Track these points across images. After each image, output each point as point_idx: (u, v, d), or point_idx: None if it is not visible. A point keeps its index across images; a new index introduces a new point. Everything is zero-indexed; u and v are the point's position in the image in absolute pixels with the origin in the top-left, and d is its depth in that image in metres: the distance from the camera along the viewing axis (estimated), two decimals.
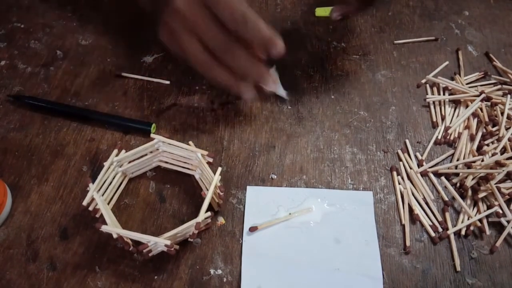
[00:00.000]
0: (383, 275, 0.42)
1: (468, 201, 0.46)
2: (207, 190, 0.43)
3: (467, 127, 0.51)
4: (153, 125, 0.50)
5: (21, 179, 0.47)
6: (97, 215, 0.42)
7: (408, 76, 0.57)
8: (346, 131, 0.51)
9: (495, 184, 0.45)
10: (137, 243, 0.40)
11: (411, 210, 0.46)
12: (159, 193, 0.46)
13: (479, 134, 0.50)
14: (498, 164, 0.46)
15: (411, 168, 0.48)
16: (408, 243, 0.43)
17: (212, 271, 0.42)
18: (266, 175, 0.48)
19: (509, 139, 0.49)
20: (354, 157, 0.49)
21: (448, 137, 0.50)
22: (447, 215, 0.45)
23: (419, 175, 0.48)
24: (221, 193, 0.43)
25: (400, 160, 0.49)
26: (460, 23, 0.62)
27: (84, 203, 0.41)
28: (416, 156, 0.49)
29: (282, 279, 0.41)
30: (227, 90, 0.46)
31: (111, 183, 0.44)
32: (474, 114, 0.52)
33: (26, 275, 0.41)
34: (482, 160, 0.47)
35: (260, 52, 0.43)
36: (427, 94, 0.55)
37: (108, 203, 0.44)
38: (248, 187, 0.47)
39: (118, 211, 0.45)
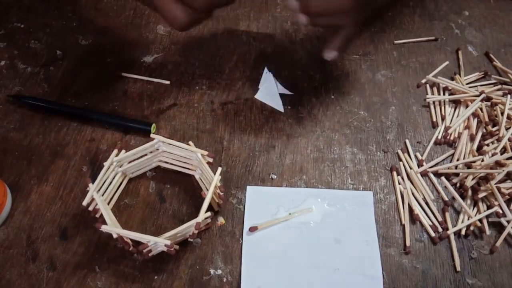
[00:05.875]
0: (383, 275, 0.42)
1: (468, 201, 0.46)
2: (207, 190, 0.43)
3: (467, 127, 0.51)
4: (153, 125, 0.50)
5: (21, 179, 0.47)
6: (97, 215, 0.42)
7: (408, 76, 0.56)
8: (346, 131, 0.51)
9: (495, 184, 0.45)
10: (137, 243, 0.40)
11: (411, 210, 0.46)
12: (159, 193, 0.46)
13: (479, 134, 0.50)
14: (498, 164, 0.46)
15: (411, 168, 0.48)
16: (408, 243, 0.43)
17: (212, 271, 0.42)
18: (266, 175, 0.48)
19: (509, 139, 0.49)
20: (354, 157, 0.49)
21: (448, 137, 0.50)
22: (447, 215, 0.45)
23: (419, 175, 0.48)
24: (221, 193, 0.43)
25: (400, 160, 0.49)
26: (460, 23, 0.62)
27: (84, 203, 0.42)
28: (416, 156, 0.49)
29: (282, 279, 0.41)
30: None
31: (111, 183, 0.44)
32: (474, 114, 0.52)
33: (26, 275, 0.41)
34: (482, 160, 0.47)
35: None
36: (427, 94, 0.55)
37: (108, 203, 0.44)
38: (248, 187, 0.47)
39: (118, 211, 0.45)
